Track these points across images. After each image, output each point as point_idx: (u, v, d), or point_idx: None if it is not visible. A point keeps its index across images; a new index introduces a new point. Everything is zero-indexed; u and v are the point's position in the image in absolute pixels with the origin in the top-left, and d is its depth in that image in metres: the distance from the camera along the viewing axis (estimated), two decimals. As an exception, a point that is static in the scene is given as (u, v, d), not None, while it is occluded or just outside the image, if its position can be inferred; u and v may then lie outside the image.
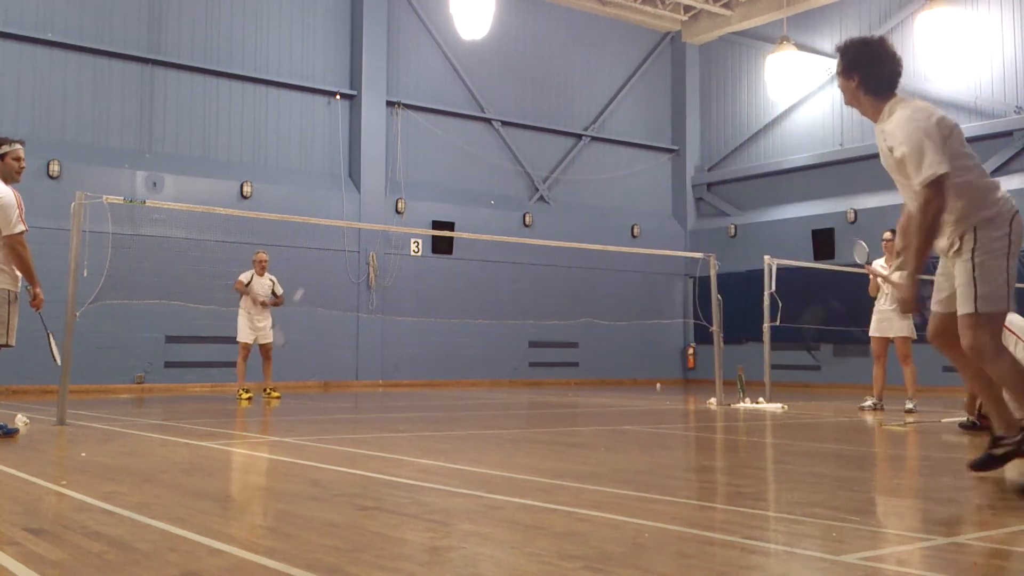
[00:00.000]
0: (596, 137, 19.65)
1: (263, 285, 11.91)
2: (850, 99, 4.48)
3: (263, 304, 11.83)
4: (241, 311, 11.85)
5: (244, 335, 11.80)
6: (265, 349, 11.93)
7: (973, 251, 4.20)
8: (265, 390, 11.92)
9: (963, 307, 4.20)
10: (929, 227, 4.13)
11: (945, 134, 4.16)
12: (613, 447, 6.44)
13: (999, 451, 4.31)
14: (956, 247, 4.28)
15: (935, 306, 4.52)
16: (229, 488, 4.66)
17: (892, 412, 9.51)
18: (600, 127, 19.71)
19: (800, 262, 14.07)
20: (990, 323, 4.19)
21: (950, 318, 4.36)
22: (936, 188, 4.06)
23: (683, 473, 5.08)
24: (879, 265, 10.18)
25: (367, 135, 16.53)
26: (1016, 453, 4.24)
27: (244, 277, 11.92)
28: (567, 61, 19.43)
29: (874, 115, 4.44)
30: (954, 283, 4.31)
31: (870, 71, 4.34)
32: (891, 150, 4.26)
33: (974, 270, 4.17)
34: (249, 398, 11.28)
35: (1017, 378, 4.19)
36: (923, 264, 4.26)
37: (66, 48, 14.07)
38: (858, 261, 9.66)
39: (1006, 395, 4.38)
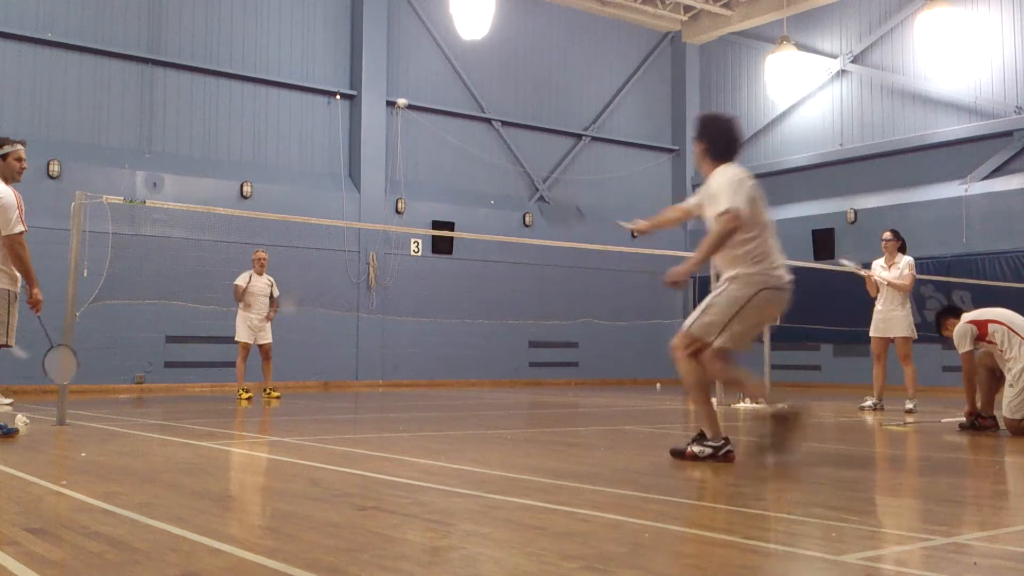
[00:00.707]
0: (596, 137, 19.65)
1: (261, 284, 11.88)
2: (698, 160, 5.59)
3: (267, 318, 11.85)
4: (239, 312, 11.84)
5: (243, 335, 11.78)
6: (264, 349, 11.92)
7: (720, 287, 5.28)
8: (265, 390, 11.92)
9: (687, 323, 5.32)
10: (716, 242, 5.17)
11: (752, 194, 5.23)
12: (613, 447, 6.44)
13: (699, 449, 5.22)
14: (719, 278, 5.40)
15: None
16: (229, 488, 4.66)
17: (892, 412, 9.51)
18: (600, 127, 19.71)
19: (800, 262, 14.06)
20: (695, 343, 5.25)
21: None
22: (732, 215, 5.10)
23: (683, 473, 5.08)
24: (878, 265, 10.20)
25: (367, 135, 16.53)
26: (713, 456, 5.18)
27: (242, 280, 11.82)
28: (567, 61, 19.43)
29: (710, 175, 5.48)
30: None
31: (715, 141, 5.49)
32: (711, 197, 5.32)
33: (709, 298, 5.28)
34: (249, 398, 11.28)
35: (722, 378, 5.52)
36: (700, 264, 5.28)
37: (66, 48, 14.07)
38: (852, 269, 10.15)
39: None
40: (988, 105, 16.22)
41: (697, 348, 5.23)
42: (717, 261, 5.44)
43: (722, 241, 5.16)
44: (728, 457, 5.19)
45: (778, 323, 11.35)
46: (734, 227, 5.11)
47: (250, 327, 11.75)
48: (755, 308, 5.19)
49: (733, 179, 5.23)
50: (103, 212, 9.82)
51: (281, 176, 15.79)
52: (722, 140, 5.48)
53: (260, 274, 11.87)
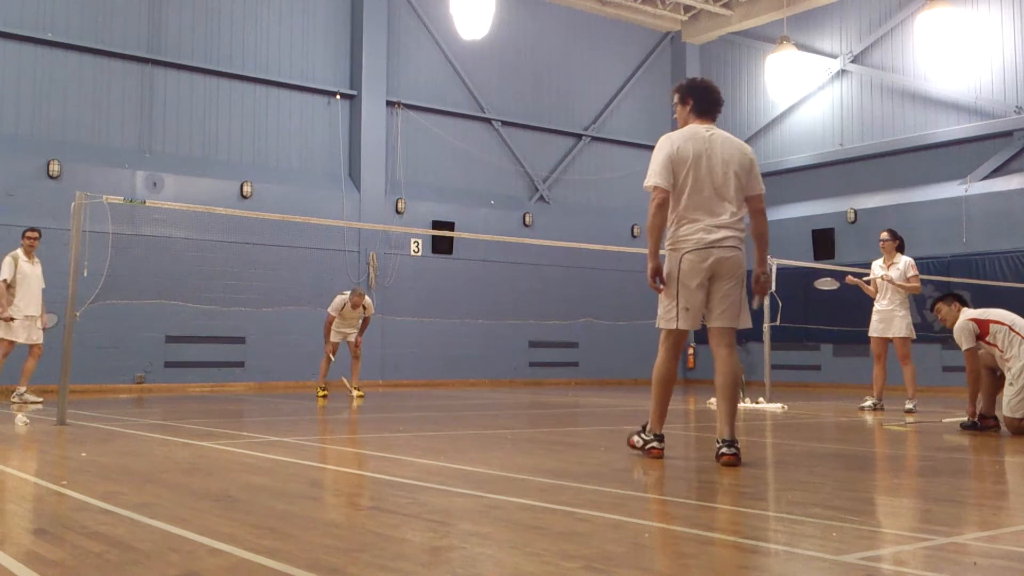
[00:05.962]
0: (596, 137, 19.64)
1: (353, 317, 12.03)
2: (682, 119, 5.58)
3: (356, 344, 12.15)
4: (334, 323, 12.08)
5: (335, 337, 12.02)
6: (353, 347, 12.14)
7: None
8: (354, 388, 12.10)
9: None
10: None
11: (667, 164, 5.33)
12: (613, 447, 6.43)
13: (637, 439, 5.58)
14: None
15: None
16: (229, 488, 4.66)
17: (892, 412, 9.51)
18: (600, 127, 19.70)
19: (800, 262, 14.07)
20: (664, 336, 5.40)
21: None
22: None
23: (683, 473, 5.08)
24: (877, 265, 10.22)
25: (367, 135, 16.52)
26: (643, 447, 5.50)
27: (335, 311, 11.94)
28: (567, 61, 19.42)
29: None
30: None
31: (700, 99, 5.48)
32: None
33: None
34: (325, 395, 11.67)
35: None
36: (653, 249, 5.32)
37: (66, 48, 14.06)
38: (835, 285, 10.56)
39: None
40: (988, 105, 16.21)
41: (670, 343, 5.39)
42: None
43: (649, 220, 5.31)
44: (651, 453, 5.43)
45: (778, 323, 11.46)
46: (654, 203, 5.28)
47: (338, 331, 12.01)
48: (684, 278, 5.21)
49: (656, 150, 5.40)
50: (103, 212, 9.81)
51: (281, 176, 15.79)
52: (705, 97, 5.50)
53: (355, 309, 11.99)
